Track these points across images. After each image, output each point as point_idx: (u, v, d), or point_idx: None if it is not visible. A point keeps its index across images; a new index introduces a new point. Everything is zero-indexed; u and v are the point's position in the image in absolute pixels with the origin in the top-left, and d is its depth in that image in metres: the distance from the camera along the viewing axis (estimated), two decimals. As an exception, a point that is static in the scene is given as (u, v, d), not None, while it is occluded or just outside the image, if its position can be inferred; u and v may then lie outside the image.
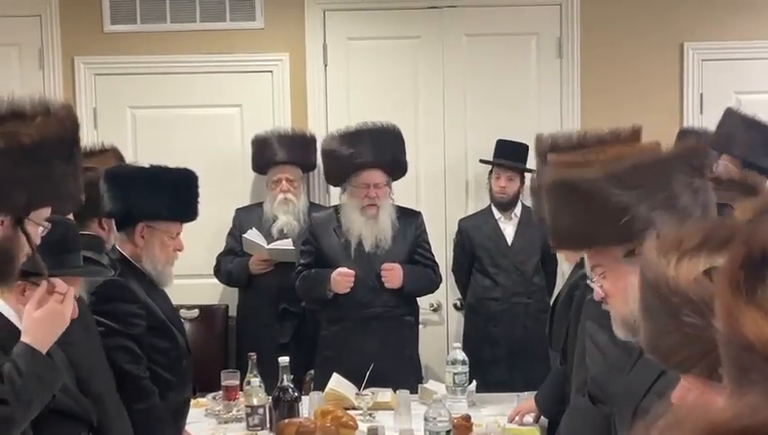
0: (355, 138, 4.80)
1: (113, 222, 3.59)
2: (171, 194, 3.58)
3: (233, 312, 5.71)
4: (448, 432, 3.59)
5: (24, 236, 2.42)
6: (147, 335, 3.45)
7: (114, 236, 3.59)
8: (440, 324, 5.89)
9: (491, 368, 5.26)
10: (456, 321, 5.83)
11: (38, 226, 2.48)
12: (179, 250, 3.67)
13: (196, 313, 5.71)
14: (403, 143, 4.92)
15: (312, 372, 5.02)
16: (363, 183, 4.77)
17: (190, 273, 5.19)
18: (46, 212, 2.51)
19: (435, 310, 5.84)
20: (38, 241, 2.48)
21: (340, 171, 4.87)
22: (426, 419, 3.61)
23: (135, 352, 3.39)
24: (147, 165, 3.73)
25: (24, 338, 2.49)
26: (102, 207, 3.53)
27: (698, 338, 1.44)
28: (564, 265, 4.16)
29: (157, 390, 3.44)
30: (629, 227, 2.33)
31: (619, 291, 2.37)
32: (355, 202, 4.80)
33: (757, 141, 4.77)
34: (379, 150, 4.78)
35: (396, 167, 4.90)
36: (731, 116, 4.98)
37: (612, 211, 2.35)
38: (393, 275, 4.77)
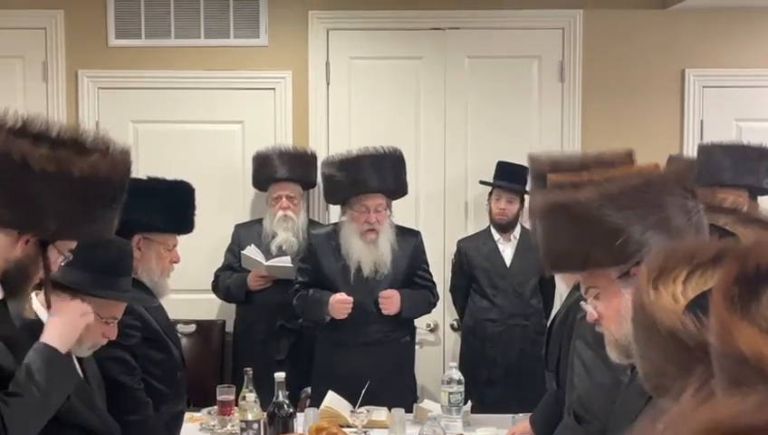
0: (356, 164, 4.75)
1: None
2: (167, 206, 3.59)
3: (230, 328, 5.70)
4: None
5: (44, 261, 2.44)
6: (141, 346, 3.45)
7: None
8: (436, 345, 5.89)
9: (487, 389, 5.26)
10: (453, 341, 5.83)
11: (60, 254, 2.50)
12: (176, 262, 3.68)
13: (192, 328, 5.71)
14: (404, 166, 4.90)
15: (308, 389, 5.01)
16: (364, 206, 4.73)
17: (188, 288, 5.20)
18: (72, 244, 2.53)
19: (431, 330, 5.84)
20: (55, 269, 2.50)
21: (340, 195, 4.87)
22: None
23: (129, 363, 3.39)
24: (144, 177, 3.74)
25: (43, 338, 2.51)
26: None
27: (667, 368, 1.43)
28: (562, 286, 4.15)
29: (151, 401, 3.43)
30: (624, 249, 2.33)
31: (613, 313, 2.36)
32: (355, 226, 4.77)
33: (740, 162, 4.77)
34: (380, 176, 4.74)
35: (398, 190, 4.91)
36: (706, 149, 4.98)
37: (607, 233, 2.35)
38: (391, 302, 4.76)
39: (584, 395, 3.01)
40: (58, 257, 2.50)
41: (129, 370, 3.38)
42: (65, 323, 2.56)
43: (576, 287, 3.82)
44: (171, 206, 3.61)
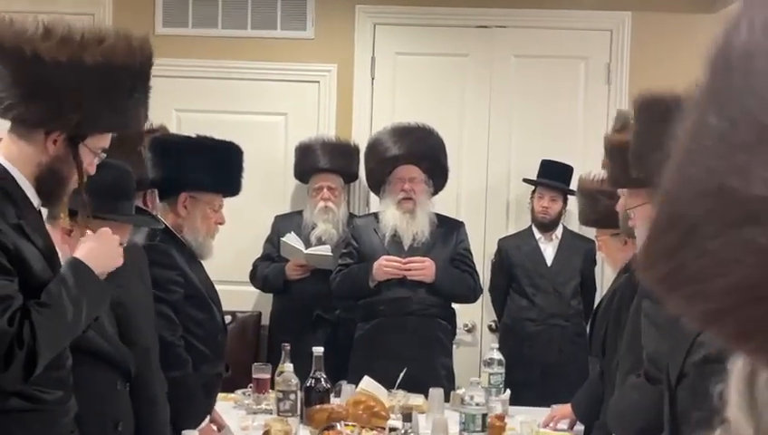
0: (397, 132, 4.89)
1: (156, 194, 3.56)
2: (215, 165, 3.57)
3: (265, 320, 5.66)
4: (485, 416, 3.51)
5: (76, 162, 2.40)
6: (184, 304, 3.42)
7: (157, 207, 3.56)
8: (473, 346, 5.80)
9: (524, 389, 5.16)
10: (490, 343, 5.73)
11: (94, 154, 2.46)
12: (221, 223, 3.65)
13: (228, 319, 5.66)
14: (444, 147, 4.96)
15: (343, 382, 4.94)
16: (398, 177, 4.80)
17: (226, 279, 5.15)
18: (104, 141, 2.49)
19: (469, 331, 5.77)
20: (92, 171, 2.45)
21: (379, 167, 4.89)
22: (462, 400, 3.54)
23: (171, 318, 3.36)
24: (193, 135, 3.73)
25: (76, 254, 2.40)
26: (147, 180, 3.50)
27: None
28: (608, 270, 4.08)
29: (190, 359, 3.39)
30: None
31: None
32: (391, 198, 4.82)
33: None
34: (416, 147, 4.83)
35: (434, 167, 4.90)
36: None
37: None
38: (424, 266, 4.73)
39: (656, 354, 2.91)
40: (93, 158, 2.45)
41: (170, 325, 3.35)
42: (104, 252, 2.43)
43: (623, 270, 3.76)
44: (219, 165, 3.59)
